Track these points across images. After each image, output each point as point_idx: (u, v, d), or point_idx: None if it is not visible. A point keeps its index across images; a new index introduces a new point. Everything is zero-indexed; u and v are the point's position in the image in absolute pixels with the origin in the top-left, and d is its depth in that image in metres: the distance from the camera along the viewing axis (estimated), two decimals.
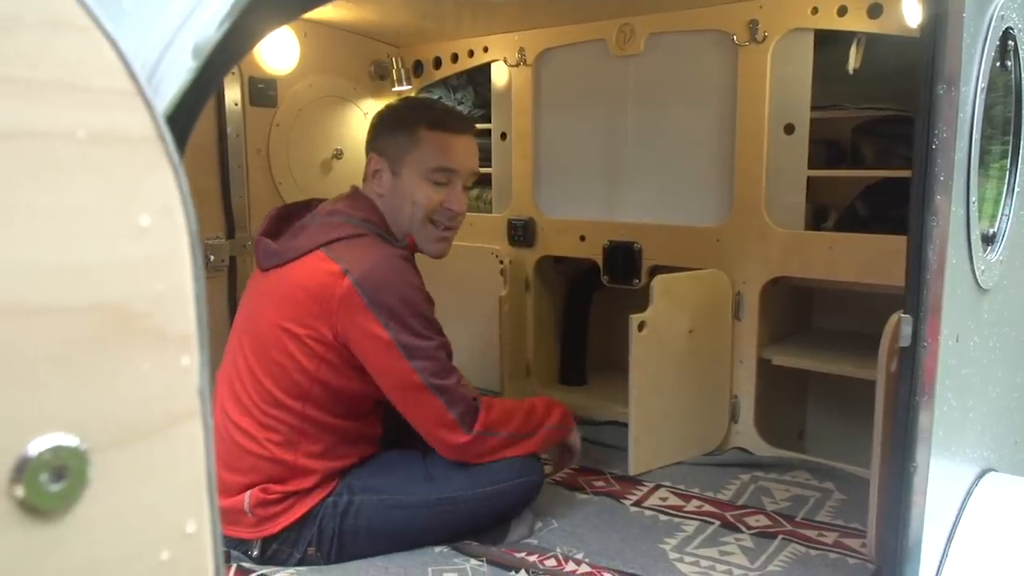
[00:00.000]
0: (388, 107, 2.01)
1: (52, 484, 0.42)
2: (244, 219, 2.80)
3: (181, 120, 0.46)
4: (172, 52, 0.46)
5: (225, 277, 2.79)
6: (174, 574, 0.48)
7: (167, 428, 0.46)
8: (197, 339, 0.46)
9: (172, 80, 0.45)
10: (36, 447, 0.41)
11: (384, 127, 1.92)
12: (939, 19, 1.25)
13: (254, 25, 0.52)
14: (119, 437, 0.44)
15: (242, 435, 1.76)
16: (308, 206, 1.94)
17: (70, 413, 0.42)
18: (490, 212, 3.12)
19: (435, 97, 3.25)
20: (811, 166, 2.35)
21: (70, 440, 0.42)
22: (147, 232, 0.44)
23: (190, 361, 0.47)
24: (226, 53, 0.49)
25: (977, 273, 1.44)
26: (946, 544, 1.48)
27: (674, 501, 2.16)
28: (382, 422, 1.93)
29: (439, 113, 1.94)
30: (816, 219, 2.50)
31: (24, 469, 0.42)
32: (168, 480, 0.47)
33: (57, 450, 0.42)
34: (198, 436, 0.48)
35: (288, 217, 1.91)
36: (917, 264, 1.30)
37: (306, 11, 0.68)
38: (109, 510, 0.45)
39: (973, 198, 1.38)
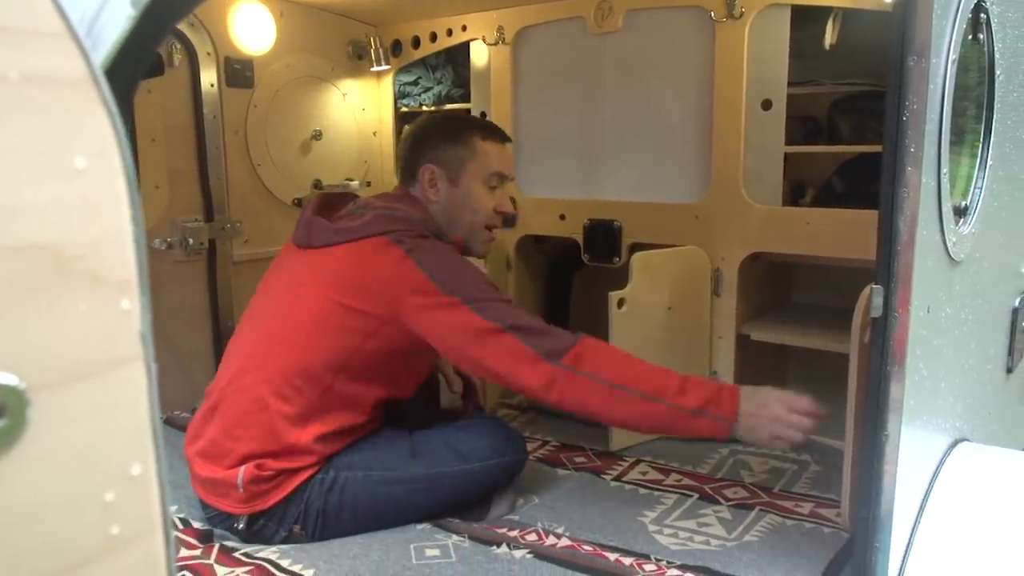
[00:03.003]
0: (430, 121, 2.13)
1: None
2: (223, 202, 2.78)
3: (125, 66, 0.46)
4: (112, 1, 0.46)
5: (204, 261, 2.77)
6: (119, 515, 0.49)
7: (107, 371, 0.46)
8: (137, 283, 0.47)
9: (113, 27, 0.45)
10: None
11: (436, 139, 2.01)
12: None
13: None
14: (58, 378, 0.44)
15: (254, 402, 1.77)
16: (342, 199, 2.05)
17: (6, 352, 0.42)
18: None
19: (414, 77, 3.25)
20: (788, 142, 2.36)
21: (8, 379, 0.42)
22: (82, 174, 0.44)
23: (130, 305, 0.47)
24: (167, 4, 0.48)
25: (949, 245, 1.45)
26: (918, 513, 1.50)
27: (654, 475, 2.18)
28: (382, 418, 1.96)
29: (489, 125, 2.13)
30: (794, 195, 2.52)
31: None
32: (110, 422, 0.47)
33: None
34: (141, 380, 0.48)
35: (330, 205, 1.99)
36: (888, 235, 1.32)
37: None
38: (50, 451, 0.45)
39: (944, 170, 1.39)
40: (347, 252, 1.81)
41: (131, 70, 0.47)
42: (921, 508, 1.51)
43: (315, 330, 1.78)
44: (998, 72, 1.64)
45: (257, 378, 1.79)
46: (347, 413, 1.83)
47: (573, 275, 3.11)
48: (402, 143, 2.10)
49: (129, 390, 0.48)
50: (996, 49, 1.61)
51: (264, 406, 1.76)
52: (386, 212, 1.88)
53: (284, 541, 1.79)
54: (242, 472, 1.75)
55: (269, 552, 1.75)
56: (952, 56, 1.36)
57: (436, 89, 3.26)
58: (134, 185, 0.46)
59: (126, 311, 0.47)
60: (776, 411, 1.66)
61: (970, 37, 1.49)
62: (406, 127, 2.21)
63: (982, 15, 1.51)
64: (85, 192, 0.44)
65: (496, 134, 2.07)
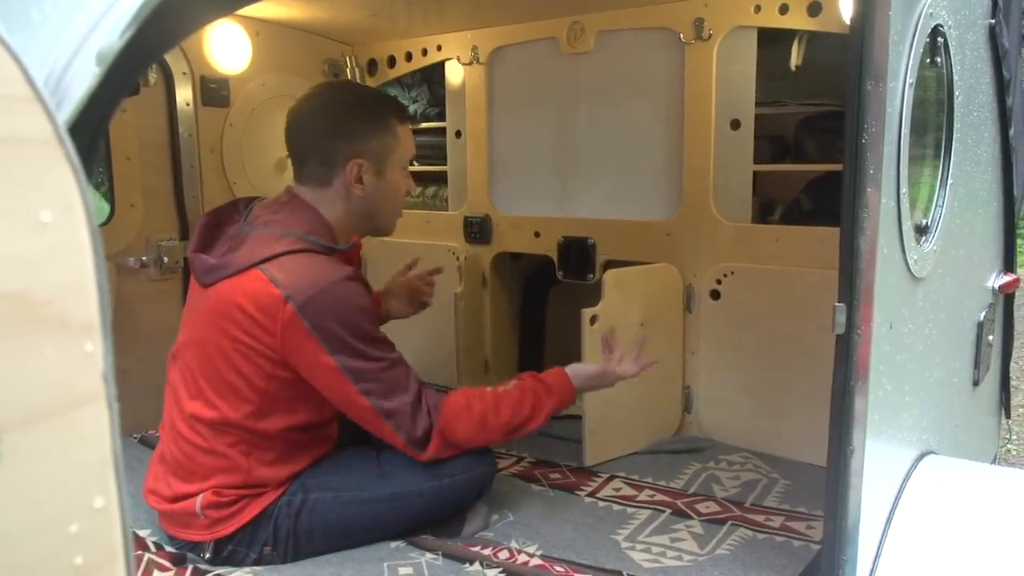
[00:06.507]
0: (339, 102, 1.85)
1: None
2: None
3: (93, 119, 0.48)
4: (78, 60, 0.48)
5: (180, 279, 2.76)
6: (83, 545, 0.52)
7: (72, 409, 0.49)
8: (100, 326, 0.49)
9: (79, 85, 0.47)
10: None
11: (359, 126, 1.81)
12: (866, 16, 1.28)
13: (161, 33, 0.54)
14: (26, 417, 0.47)
15: (194, 448, 1.75)
16: (236, 208, 1.88)
17: None
18: (446, 210, 3.13)
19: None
20: (757, 161, 2.40)
21: None
22: (48, 226, 0.46)
23: (93, 347, 0.49)
24: (132, 59, 0.51)
25: (910, 262, 1.49)
26: (885, 525, 1.53)
27: (627, 491, 2.20)
28: (340, 425, 1.92)
29: (398, 103, 2.00)
30: (763, 212, 2.56)
31: None
32: (75, 458, 0.50)
33: None
34: (103, 417, 0.51)
35: (218, 224, 1.85)
36: (849, 254, 1.34)
37: (210, 22, 0.70)
38: (19, 485, 0.47)
39: (903, 190, 1.42)
40: (226, 292, 1.68)
41: (96, 124, 0.49)
42: (888, 521, 1.54)
43: (220, 379, 1.71)
44: (957, 93, 1.69)
45: (192, 425, 1.76)
46: (287, 446, 1.79)
47: (549, 292, 3.14)
48: (301, 126, 1.84)
49: (93, 427, 0.51)
50: (955, 71, 1.65)
51: (210, 449, 1.74)
52: (264, 234, 1.74)
53: (256, 563, 1.78)
54: (200, 499, 1.74)
55: (242, 573, 1.75)
56: (909, 80, 1.40)
57: (412, 108, 3.27)
58: (97, 234, 0.48)
59: (89, 353, 0.49)
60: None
61: (928, 60, 1.53)
62: (298, 104, 1.85)
63: (939, 39, 1.55)
64: (51, 243, 0.46)
65: (408, 115, 1.96)
